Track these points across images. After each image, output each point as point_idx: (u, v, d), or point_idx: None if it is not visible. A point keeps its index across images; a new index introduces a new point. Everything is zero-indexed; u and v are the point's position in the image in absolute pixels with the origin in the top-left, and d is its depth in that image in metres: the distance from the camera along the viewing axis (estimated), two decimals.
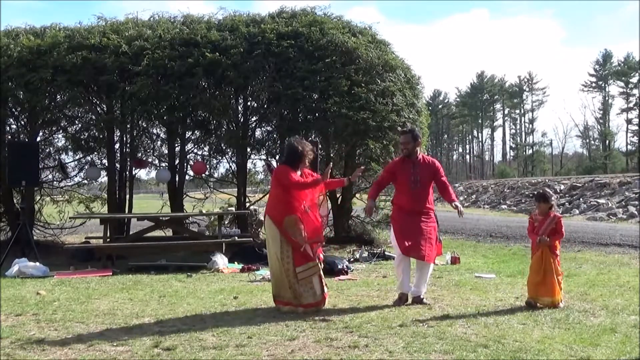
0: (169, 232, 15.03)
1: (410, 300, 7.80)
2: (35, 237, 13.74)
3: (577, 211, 29.98)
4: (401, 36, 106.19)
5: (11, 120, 15.03)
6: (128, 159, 14.73)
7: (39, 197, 15.47)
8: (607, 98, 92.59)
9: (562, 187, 35.33)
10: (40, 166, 13.78)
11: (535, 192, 8.73)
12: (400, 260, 7.92)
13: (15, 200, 14.80)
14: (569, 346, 5.65)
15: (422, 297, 7.82)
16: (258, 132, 15.30)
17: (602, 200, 30.04)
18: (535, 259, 7.75)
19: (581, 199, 32.01)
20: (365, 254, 12.70)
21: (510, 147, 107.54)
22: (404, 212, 7.90)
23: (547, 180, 40.67)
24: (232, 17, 15.00)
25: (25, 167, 12.43)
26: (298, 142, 7.58)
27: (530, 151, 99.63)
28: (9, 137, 14.82)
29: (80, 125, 15.19)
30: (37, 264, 10.95)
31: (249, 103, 15.13)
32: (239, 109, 14.92)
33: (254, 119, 15.22)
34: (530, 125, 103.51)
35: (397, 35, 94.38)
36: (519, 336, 5.99)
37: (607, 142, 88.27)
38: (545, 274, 7.59)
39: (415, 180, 7.84)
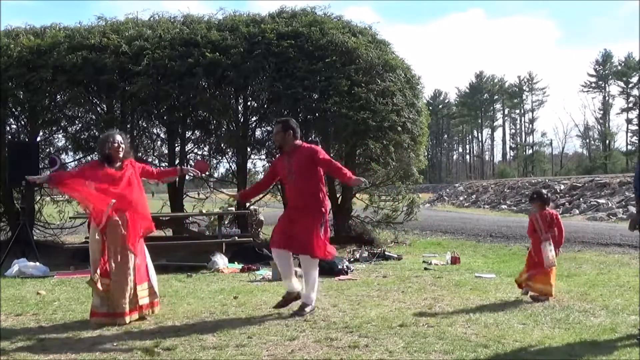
0: (169, 232, 15.02)
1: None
2: (35, 237, 13.71)
3: (577, 211, 29.96)
4: (397, 36, 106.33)
5: (11, 120, 15.01)
6: None
7: (39, 197, 15.45)
8: (607, 98, 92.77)
9: (562, 187, 35.29)
10: (40, 166, 13.74)
11: (530, 193, 8.90)
12: (277, 261, 7.55)
13: (15, 200, 14.79)
14: (569, 346, 5.65)
15: (306, 304, 7.20)
16: (258, 132, 15.32)
17: (602, 200, 30.01)
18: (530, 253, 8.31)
19: (581, 199, 31.99)
20: (365, 254, 12.69)
21: (510, 147, 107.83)
22: (288, 207, 7.53)
23: (547, 180, 40.66)
24: (232, 17, 15.01)
25: (25, 167, 12.39)
26: (105, 136, 7.18)
27: (530, 151, 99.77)
28: (9, 137, 14.81)
29: (80, 125, 15.17)
30: (37, 264, 10.96)
31: (249, 103, 15.14)
32: (239, 108, 14.93)
33: (254, 118, 15.23)
34: (530, 125, 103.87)
35: (393, 35, 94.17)
36: (519, 336, 5.99)
37: (607, 142, 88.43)
38: (538, 265, 8.05)
39: (290, 173, 7.22)
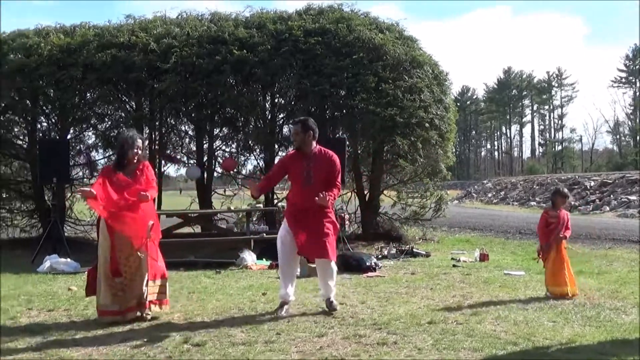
0: (197, 229, 15.10)
1: (325, 305, 7.20)
2: (66, 234, 13.92)
3: (608, 208, 29.64)
4: (424, 32, 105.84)
5: (42, 118, 15.27)
6: (157, 156, 14.84)
7: (70, 194, 15.63)
8: (637, 93, 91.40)
9: (592, 183, 34.92)
10: (70, 163, 13.93)
11: (555, 189, 8.70)
12: (284, 265, 7.25)
13: (46, 197, 14.98)
14: (600, 344, 5.59)
15: (331, 299, 7.17)
16: (285, 129, 15.33)
17: (633, 197, 29.63)
18: (557, 254, 8.11)
19: (612, 196, 31.63)
20: (394, 251, 12.66)
21: (539, 144, 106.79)
22: (297, 209, 7.18)
23: (577, 177, 40.23)
24: (259, 14, 15.06)
25: (56, 164, 12.58)
26: (127, 137, 7.03)
27: (560, 147, 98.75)
28: (40, 134, 15.03)
29: (109, 123, 15.34)
30: (68, 260, 11.09)
31: (276, 100, 15.18)
32: (267, 106, 14.99)
33: (281, 115, 15.27)
34: (560, 121, 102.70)
35: (420, 32, 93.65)
36: (549, 334, 5.93)
37: (638, 137, 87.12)
38: (565, 266, 8.03)
39: (308, 176, 7.11)
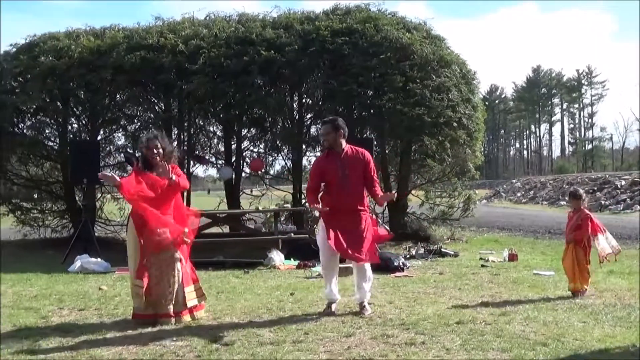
0: (225, 229, 15.18)
1: (358, 308, 7.08)
2: (96, 234, 14.07)
3: (639, 207, 29.25)
4: (452, 31, 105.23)
5: (73, 119, 15.48)
6: (186, 157, 14.96)
7: (100, 195, 15.81)
8: None
9: (623, 182, 34.49)
10: (101, 164, 14.08)
11: (569, 191, 8.79)
12: (325, 264, 7.23)
13: (77, 198, 15.16)
14: (630, 345, 5.53)
15: (364, 303, 7.06)
16: (313, 129, 15.38)
17: None
18: (566, 252, 8.29)
19: None
20: (422, 251, 12.63)
21: (569, 142, 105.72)
22: (334, 211, 7.01)
23: (607, 176, 39.74)
24: (286, 14, 15.10)
25: (86, 165, 12.70)
26: (144, 139, 7.00)
27: (590, 146, 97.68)
28: (71, 136, 15.22)
29: (139, 124, 15.53)
30: (99, 260, 11.20)
31: (303, 100, 15.22)
32: (294, 106, 15.04)
33: (309, 116, 15.31)
34: (590, 120, 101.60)
35: (448, 30, 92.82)
36: (579, 334, 5.88)
37: None
38: (572, 263, 8.08)
39: (344, 175, 7.01)
